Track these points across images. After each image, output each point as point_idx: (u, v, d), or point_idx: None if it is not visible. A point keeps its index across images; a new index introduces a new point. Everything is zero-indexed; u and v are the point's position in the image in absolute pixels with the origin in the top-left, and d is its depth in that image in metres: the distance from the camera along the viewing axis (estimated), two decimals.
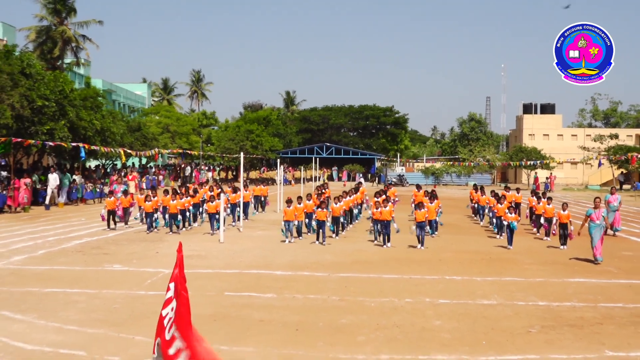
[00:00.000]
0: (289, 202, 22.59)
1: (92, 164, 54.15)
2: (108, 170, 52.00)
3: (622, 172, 70.89)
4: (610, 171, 71.38)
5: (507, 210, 22.58)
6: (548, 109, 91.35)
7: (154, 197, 25.15)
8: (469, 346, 10.76)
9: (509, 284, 16.06)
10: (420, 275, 16.97)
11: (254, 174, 71.87)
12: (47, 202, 35.17)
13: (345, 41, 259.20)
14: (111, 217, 25.16)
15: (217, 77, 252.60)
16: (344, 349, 10.45)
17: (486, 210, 28.81)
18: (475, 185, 36.19)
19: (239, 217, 27.34)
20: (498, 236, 24.31)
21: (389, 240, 21.80)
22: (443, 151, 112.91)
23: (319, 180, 60.37)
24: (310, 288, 15.12)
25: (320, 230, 22.42)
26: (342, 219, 24.81)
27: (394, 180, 73.79)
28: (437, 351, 10.44)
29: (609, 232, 23.90)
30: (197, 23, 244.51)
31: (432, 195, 25.30)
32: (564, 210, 21.93)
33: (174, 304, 4.57)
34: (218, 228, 23.73)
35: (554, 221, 22.74)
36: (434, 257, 20.01)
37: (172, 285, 4.65)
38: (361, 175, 74.88)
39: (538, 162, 70.23)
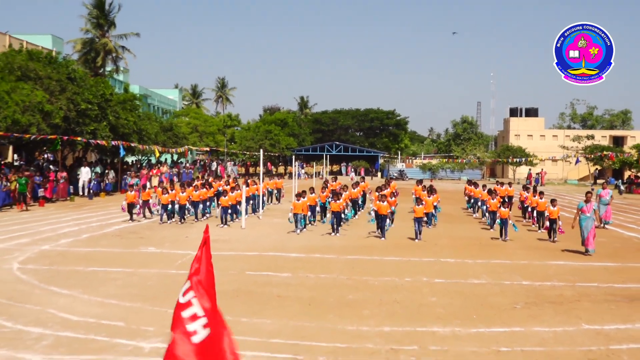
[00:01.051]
0: (298, 195, 21.79)
1: (130, 159, 54.26)
2: (144, 164, 52.14)
3: (596, 168, 70.83)
4: (587, 168, 71.34)
5: (499, 205, 21.88)
6: (532, 112, 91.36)
7: (171, 190, 24.55)
8: (461, 320, 10.75)
9: (497, 266, 16.03)
10: (418, 258, 16.96)
11: (281, 169, 72.01)
12: (86, 193, 35.31)
13: (353, 50, 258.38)
14: (131, 209, 24.41)
15: (239, 83, 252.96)
16: (350, 321, 10.46)
17: (479, 204, 28.32)
18: (469, 180, 35.79)
19: (253, 208, 27.30)
20: (491, 229, 23.19)
21: (382, 234, 20.43)
22: (439, 149, 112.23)
23: (321, 175, 60.25)
24: (321, 268, 15.15)
25: (335, 220, 21.33)
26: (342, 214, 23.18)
27: (395, 174, 73.78)
28: (432, 324, 10.44)
29: (600, 225, 23.16)
30: (223, 34, 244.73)
31: (431, 190, 24.40)
32: (553, 206, 20.66)
33: (194, 279, 4.43)
34: (231, 220, 23.87)
35: (545, 215, 21.48)
36: (431, 242, 19.95)
37: (195, 265, 4.52)
38: (353, 169, 74.89)
39: (523, 159, 70.30)
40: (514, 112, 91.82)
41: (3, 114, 28.57)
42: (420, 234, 20.18)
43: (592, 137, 75.30)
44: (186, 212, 24.32)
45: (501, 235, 20.92)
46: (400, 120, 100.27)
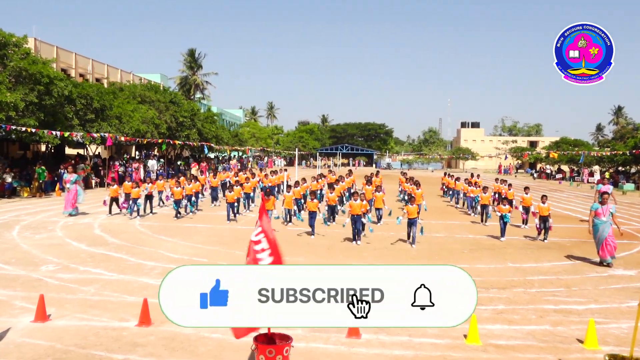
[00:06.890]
0: (296, 183, 16.09)
1: (211, 155, 54.33)
2: (220, 159, 52.19)
3: (518, 162, 70.31)
4: (511, 161, 70.83)
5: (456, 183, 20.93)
6: (475, 125, 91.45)
7: (189, 184, 17.62)
8: (427, 259, 10.67)
9: (452, 225, 15.87)
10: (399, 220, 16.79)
11: (315, 163, 71.70)
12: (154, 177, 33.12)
13: (361, 78, 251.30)
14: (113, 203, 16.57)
15: (282, 104, 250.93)
16: (355, 260, 10.43)
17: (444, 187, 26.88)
18: (445, 172, 34.90)
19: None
20: (458, 206, 20.92)
21: (359, 237, 12.35)
22: (413, 149, 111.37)
23: (324, 167, 59.54)
24: (335, 229, 15.09)
25: (331, 214, 15.47)
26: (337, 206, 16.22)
27: (385, 166, 73.16)
28: (409, 262, 10.37)
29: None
30: (274, 71, 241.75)
31: (416, 183, 17.91)
32: (543, 202, 13.08)
33: (261, 231, 4.48)
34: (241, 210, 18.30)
35: (533, 211, 14.25)
36: None
37: (259, 221, 4.58)
38: (357, 162, 74.90)
39: (469, 156, 69.99)
40: (463, 125, 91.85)
41: (129, 125, 28.75)
42: (414, 239, 12.08)
43: (515, 141, 75.35)
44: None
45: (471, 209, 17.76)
46: (388, 130, 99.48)
